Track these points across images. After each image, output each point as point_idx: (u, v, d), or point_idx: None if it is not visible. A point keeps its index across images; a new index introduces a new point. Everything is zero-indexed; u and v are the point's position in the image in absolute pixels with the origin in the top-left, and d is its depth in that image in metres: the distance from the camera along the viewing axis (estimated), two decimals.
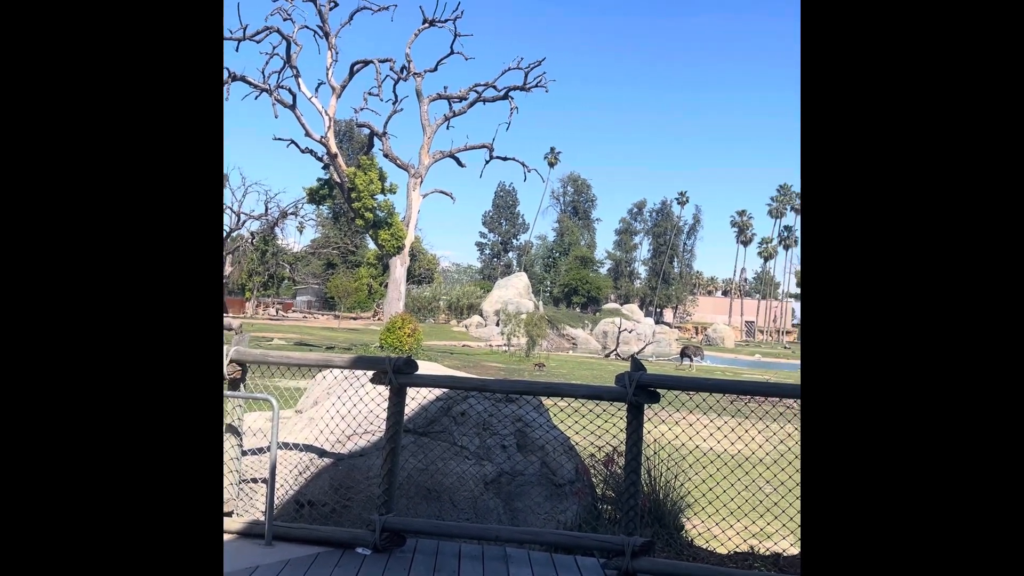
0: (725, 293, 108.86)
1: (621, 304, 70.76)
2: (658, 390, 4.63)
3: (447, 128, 35.92)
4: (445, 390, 5.49)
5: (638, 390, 4.50)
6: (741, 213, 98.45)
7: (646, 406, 4.63)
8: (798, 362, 54.48)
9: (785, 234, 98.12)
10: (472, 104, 35.93)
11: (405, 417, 5.02)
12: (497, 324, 44.42)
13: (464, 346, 38.11)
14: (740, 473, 6.20)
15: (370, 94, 34.41)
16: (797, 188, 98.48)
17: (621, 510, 4.66)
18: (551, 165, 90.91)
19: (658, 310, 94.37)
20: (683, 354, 38.34)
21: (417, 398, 5.50)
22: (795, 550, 5.80)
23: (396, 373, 4.69)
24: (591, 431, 5.26)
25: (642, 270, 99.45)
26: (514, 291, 50.03)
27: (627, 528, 4.50)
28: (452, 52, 35.05)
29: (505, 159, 37.59)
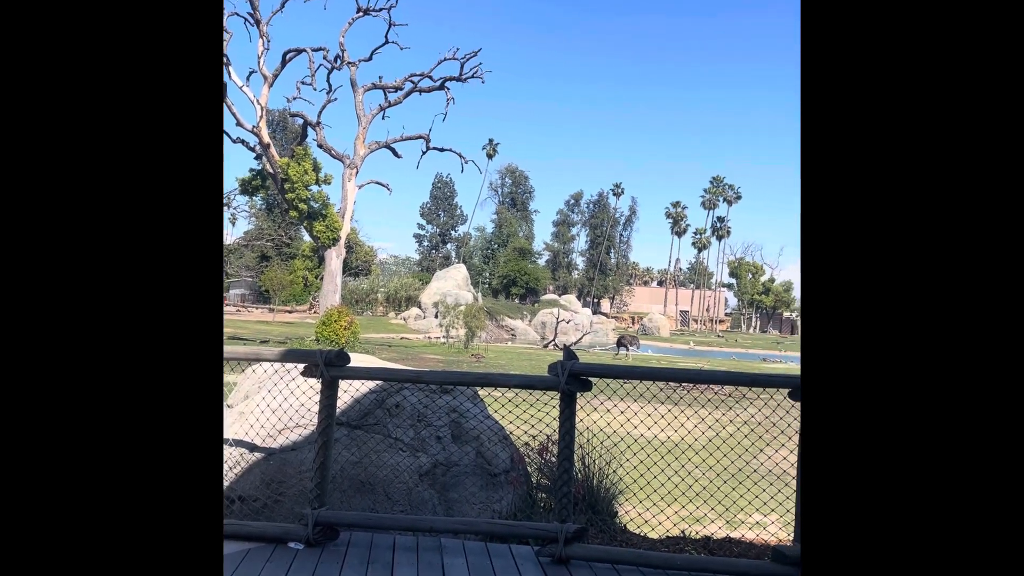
0: (661, 283, 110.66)
1: (559, 295, 71.25)
2: (590, 379, 4.70)
3: (383, 118, 35.60)
4: (379, 382, 5.46)
5: (570, 379, 4.55)
6: (675, 204, 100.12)
7: (580, 394, 4.70)
8: (730, 350, 55.89)
9: (718, 225, 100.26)
10: (408, 94, 35.63)
11: (338, 410, 4.98)
12: (436, 316, 44.25)
13: (403, 338, 37.85)
14: (672, 459, 6.33)
15: (303, 83, 33.83)
16: (729, 180, 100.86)
17: (555, 498, 4.72)
18: (489, 156, 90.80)
19: (595, 300, 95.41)
20: (619, 343, 38.86)
21: (350, 391, 5.46)
22: (723, 533, 5.96)
23: (328, 366, 4.65)
24: (524, 420, 5.30)
25: (580, 261, 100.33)
26: (453, 283, 49.91)
27: (560, 515, 4.55)
28: (387, 41, 34.69)
29: (442, 150, 37.46)
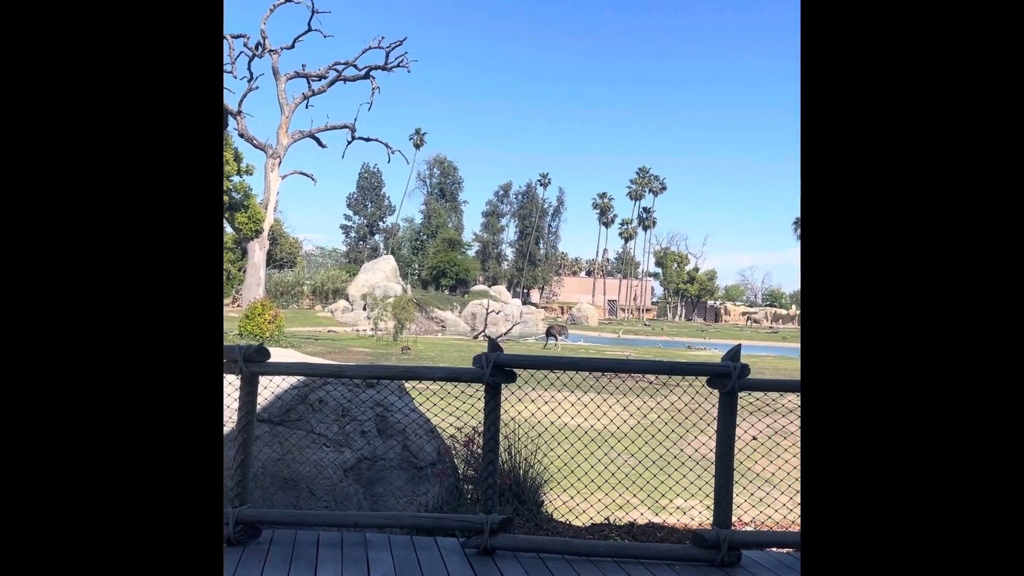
0: (589, 273, 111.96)
1: (489, 286, 71.44)
2: (515, 370, 4.72)
3: (306, 107, 34.92)
4: (301, 378, 5.37)
5: (495, 370, 4.56)
6: (602, 195, 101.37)
7: (509, 386, 4.72)
8: (657, 338, 56.94)
9: (644, 215, 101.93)
10: (332, 83, 35.02)
11: (259, 407, 4.88)
12: (364, 308, 43.74)
13: (330, 331, 37.29)
14: (598, 447, 6.43)
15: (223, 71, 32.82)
16: (655, 171, 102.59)
17: (480, 489, 4.73)
18: (416, 147, 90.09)
19: (525, 291, 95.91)
20: (548, 333, 39.21)
21: (271, 387, 5.35)
22: (648, 519, 6.09)
23: (247, 362, 4.54)
24: (450, 412, 5.30)
25: (509, 252, 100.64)
26: (381, 274, 49.40)
27: (486, 506, 4.57)
28: (310, 29, 33.98)
29: (368, 140, 37.01)
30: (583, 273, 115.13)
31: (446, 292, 68.88)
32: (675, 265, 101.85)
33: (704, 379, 4.74)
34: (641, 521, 5.71)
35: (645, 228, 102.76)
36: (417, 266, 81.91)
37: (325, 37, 37.89)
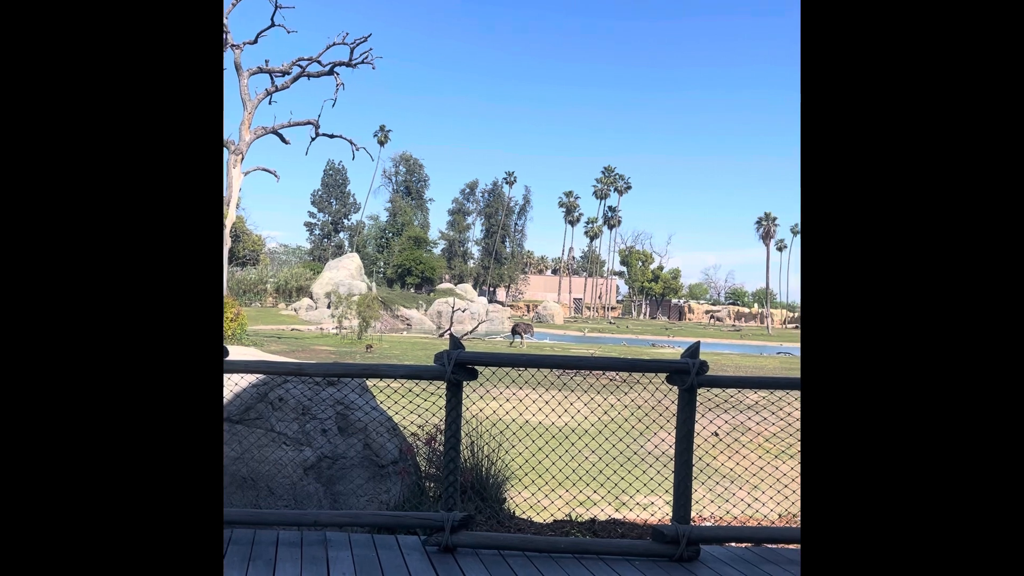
0: (555, 271, 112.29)
1: (455, 284, 71.24)
2: (477, 368, 4.73)
3: (269, 103, 34.43)
4: (261, 376, 5.31)
5: (456, 368, 4.56)
6: (568, 194, 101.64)
7: (472, 383, 4.72)
8: (622, 336, 57.29)
9: (610, 214, 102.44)
10: (296, 79, 34.61)
11: None
12: (328, 307, 43.38)
13: (293, 330, 36.91)
14: (561, 444, 6.46)
15: None
16: (620, 170, 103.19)
17: (442, 486, 4.73)
18: (381, 143, 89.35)
19: (491, 289, 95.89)
20: (514, 331, 39.26)
21: (229, 384, 5.28)
22: (611, 515, 6.14)
23: None
24: (411, 410, 5.28)
25: (475, 250, 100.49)
26: (346, 272, 49.05)
27: (447, 504, 4.57)
28: (273, 24, 33.55)
29: (332, 136, 36.61)
30: (549, 271, 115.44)
31: (412, 290, 68.55)
32: (640, 264, 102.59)
33: (664, 376, 4.79)
34: (602, 518, 5.75)
35: (610, 227, 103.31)
36: (382, 264, 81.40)
37: (289, 33, 37.42)
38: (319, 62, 34.67)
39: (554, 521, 5.59)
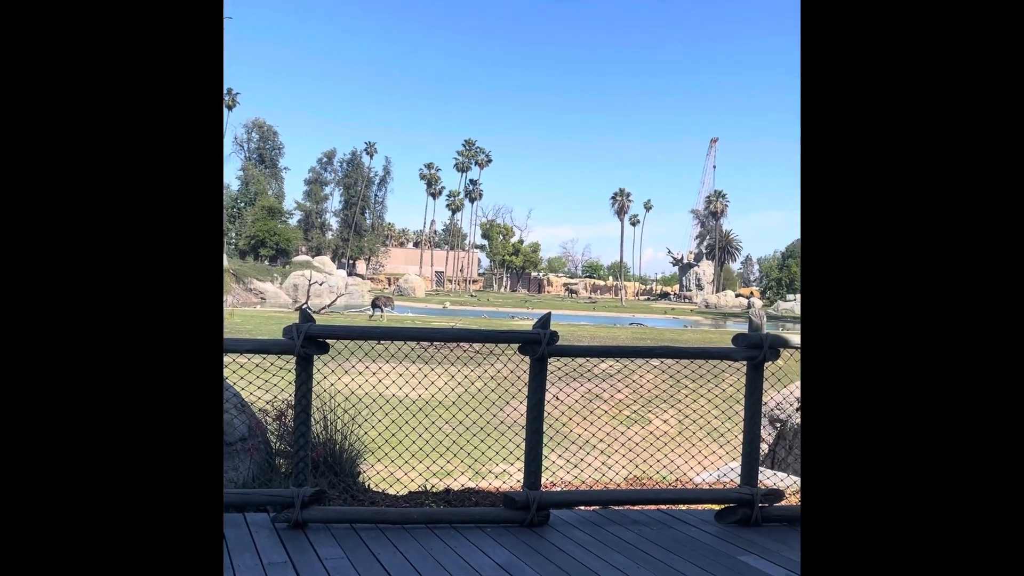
0: (416, 244, 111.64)
1: (312, 256, 69.29)
2: (329, 341, 4.63)
3: None
4: None
5: (306, 341, 4.45)
6: (429, 166, 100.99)
7: (324, 357, 4.61)
8: (483, 308, 57.88)
9: (471, 187, 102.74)
10: None
11: None
12: None
13: None
14: (415, 416, 6.46)
15: None
16: (480, 144, 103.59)
17: (292, 462, 4.62)
18: (229, 108, 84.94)
19: (351, 262, 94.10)
20: (374, 305, 38.81)
21: None
22: (470, 484, 6.21)
23: None
24: (258, 385, 5.12)
25: (334, 221, 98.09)
26: None
27: (297, 480, 4.47)
28: None
29: None
30: (410, 244, 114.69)
31: (266, 262, 66.15)
32: (500, 237, 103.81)
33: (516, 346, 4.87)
34: (458, 488, 5.81)
35: (472, 200, 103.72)
36: (234, 235, 77.92)
37: None
38: None
39: (409, 493, 5.59)
